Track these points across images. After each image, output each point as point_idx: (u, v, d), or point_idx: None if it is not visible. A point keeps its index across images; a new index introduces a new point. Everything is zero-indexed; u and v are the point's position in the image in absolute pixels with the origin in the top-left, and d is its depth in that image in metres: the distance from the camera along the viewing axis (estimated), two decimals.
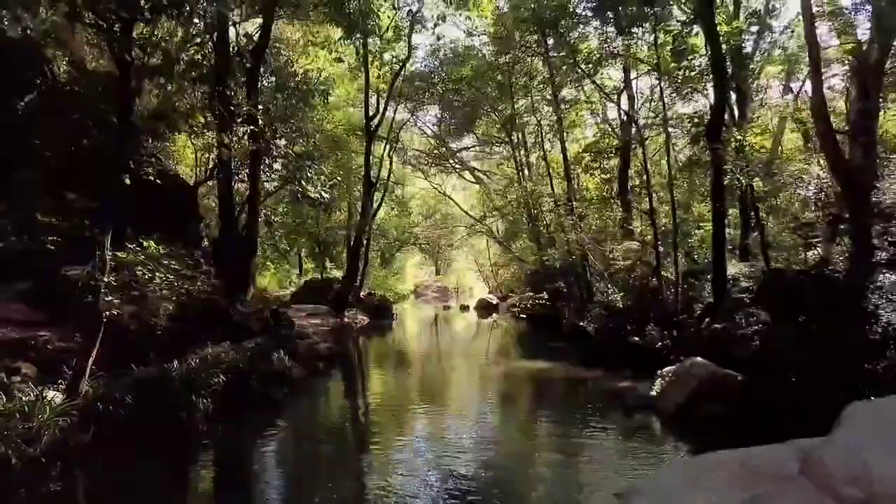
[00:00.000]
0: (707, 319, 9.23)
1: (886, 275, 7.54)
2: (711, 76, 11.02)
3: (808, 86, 17.11)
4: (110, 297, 6.31)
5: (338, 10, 11.24)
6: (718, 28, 11.40)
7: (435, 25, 19.56)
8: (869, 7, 10.14)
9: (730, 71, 11.79)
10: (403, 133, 27.78)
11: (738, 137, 11.15)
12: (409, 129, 29.74)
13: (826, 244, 9.42)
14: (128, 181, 6.46)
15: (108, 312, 6.27)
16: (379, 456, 6.69)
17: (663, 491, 2.96)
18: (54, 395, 6.08)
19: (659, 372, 8.30)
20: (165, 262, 7.39)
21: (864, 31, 10.60)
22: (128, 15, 6.43)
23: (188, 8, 7.87)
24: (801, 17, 10.93)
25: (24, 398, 5.83)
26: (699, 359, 7.90)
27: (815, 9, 9.66)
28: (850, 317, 7.26)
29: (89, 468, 5.82)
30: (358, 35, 14.20)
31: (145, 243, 7.25)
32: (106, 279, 6.12)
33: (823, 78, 10.00)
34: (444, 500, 5.07)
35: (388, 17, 19.70)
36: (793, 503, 2.30)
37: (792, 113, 15.98)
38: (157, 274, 7.22)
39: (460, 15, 20.54)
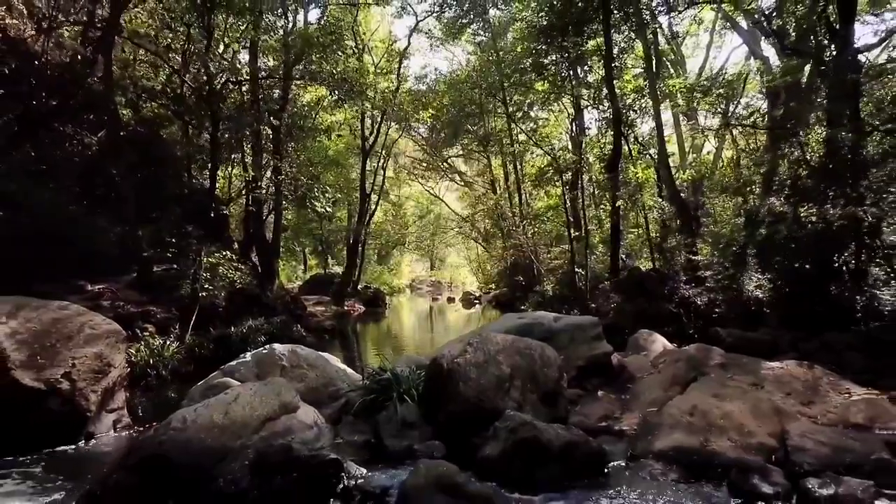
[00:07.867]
0: (587, 302, 13.38)
1: (689, 272, 11.66)
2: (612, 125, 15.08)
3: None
4: (206, 285, 10.46)
5: (337, 88, 15.11)
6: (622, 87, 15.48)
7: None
8: None
9: (630, 118, 15.85)
10: (399, 140, 31.84)
11: (634, 170, 15.24)
12: (404, 138, 33.69)
13: (668, 251, 13.54)
14: (212, 215, 10.59)
15: (201, 294, 10.41)
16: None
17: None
18: (170, 344, 10.20)
19: None
20: (234, 263, 11.55)
21: None
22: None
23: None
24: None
25: (154, 343, 9.96)
26: None
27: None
28: (664, 298, 11.39)
29: (194, 384, 9.94)
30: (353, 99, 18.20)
31: (224, 251, 11.40)
32: (203, 274, 10.25)
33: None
34: None
35: (382, 49, 23.80)
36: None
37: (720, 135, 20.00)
38: (229, 271, 11.37)
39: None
